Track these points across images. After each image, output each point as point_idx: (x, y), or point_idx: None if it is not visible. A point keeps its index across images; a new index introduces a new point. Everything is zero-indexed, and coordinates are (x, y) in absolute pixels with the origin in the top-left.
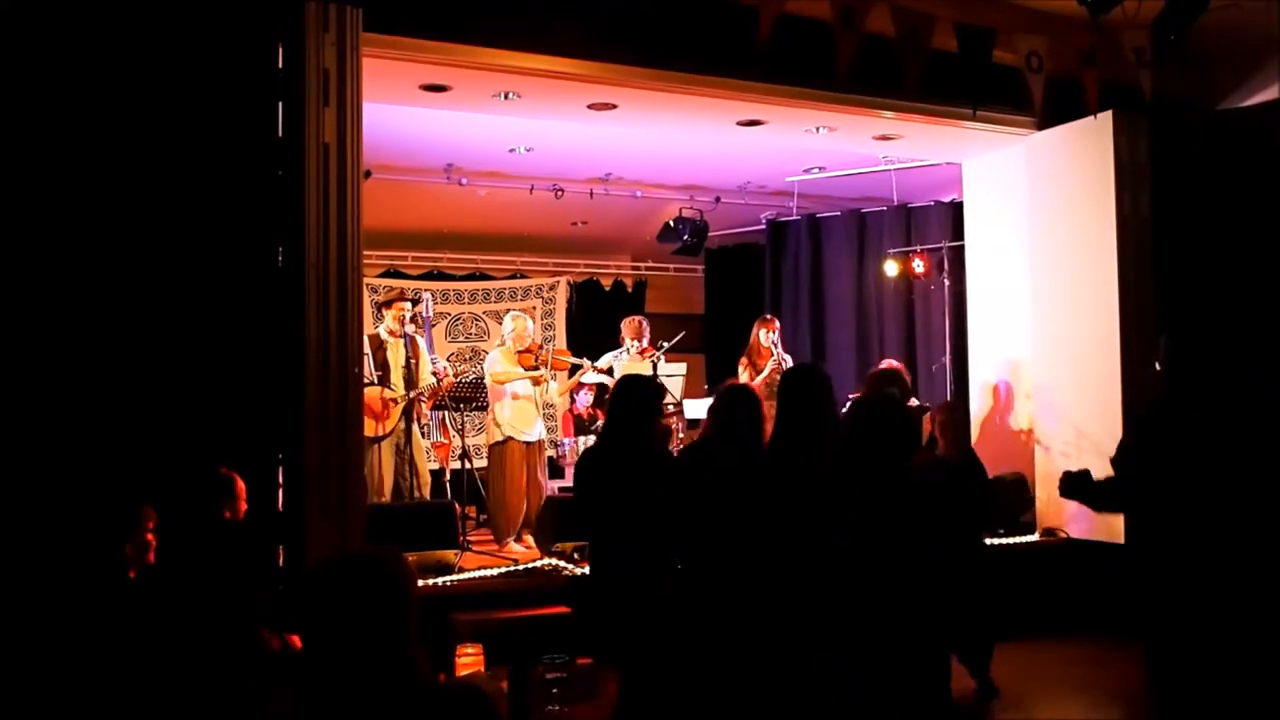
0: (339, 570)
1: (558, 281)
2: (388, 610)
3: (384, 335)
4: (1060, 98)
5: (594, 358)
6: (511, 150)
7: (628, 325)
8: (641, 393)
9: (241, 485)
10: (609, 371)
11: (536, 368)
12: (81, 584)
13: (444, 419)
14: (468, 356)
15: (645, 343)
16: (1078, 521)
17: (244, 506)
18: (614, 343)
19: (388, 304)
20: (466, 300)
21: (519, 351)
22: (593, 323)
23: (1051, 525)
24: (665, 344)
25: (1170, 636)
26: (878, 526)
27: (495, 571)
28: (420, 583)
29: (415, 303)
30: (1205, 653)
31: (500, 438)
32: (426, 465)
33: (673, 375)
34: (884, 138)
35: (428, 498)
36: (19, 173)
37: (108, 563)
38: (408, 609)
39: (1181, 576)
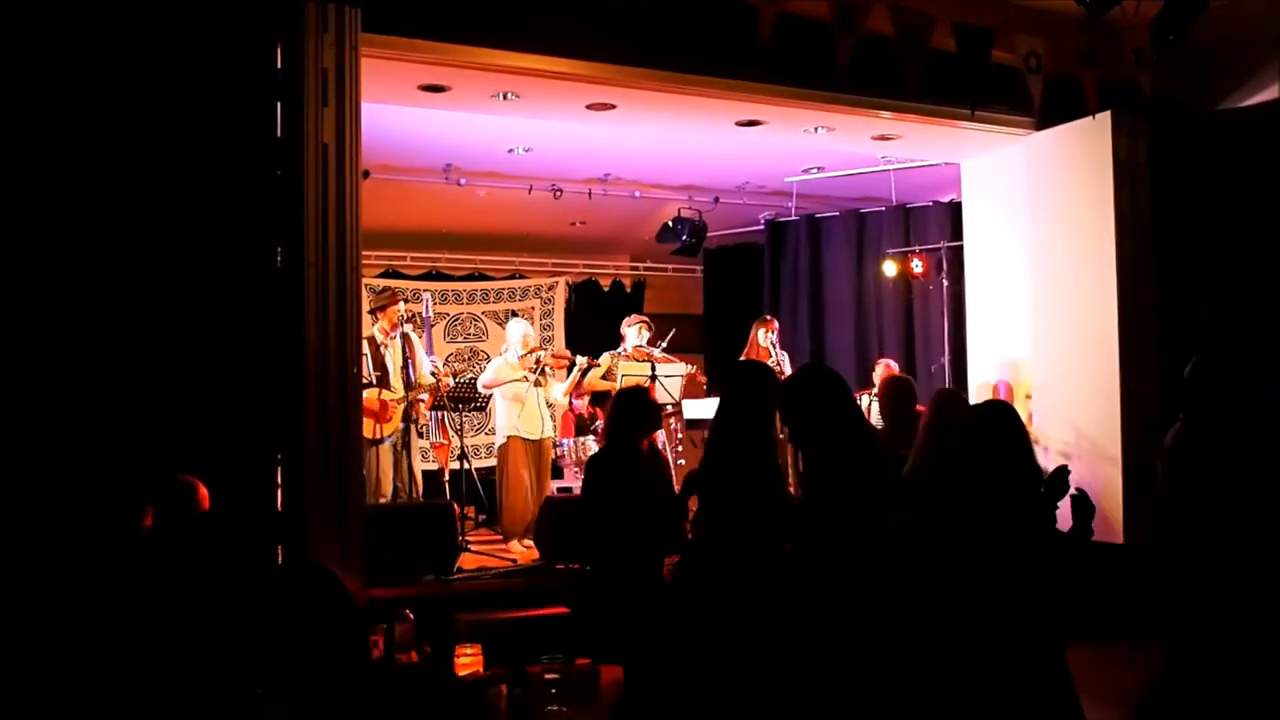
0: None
1: (556, 282)
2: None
3: (379, 337)
4: (1059, 98)
5: (593, 357)
6: (510, 150)
7: (629, 320)
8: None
9: (203, 490)
10: (604, 369)
11: (533, 369)
12: (80, 582)
13: (443, 419)
14: (466, 357)
15: (644, 340)
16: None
17: (205, 507)
18: (614, 343)
19: (381, 308)
20: (465, 300)
21: (522, 356)
22: (592, 323)
23: None
24: (662, 344)
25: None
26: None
27: (495, 571)
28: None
29: (407, 300)
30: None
31: (504, 438)
32: (420, 467)
33: (672, 375)
34: (883, 138)
35: (421, 500)
36: (15, 172)
37: (106, 561)
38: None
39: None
